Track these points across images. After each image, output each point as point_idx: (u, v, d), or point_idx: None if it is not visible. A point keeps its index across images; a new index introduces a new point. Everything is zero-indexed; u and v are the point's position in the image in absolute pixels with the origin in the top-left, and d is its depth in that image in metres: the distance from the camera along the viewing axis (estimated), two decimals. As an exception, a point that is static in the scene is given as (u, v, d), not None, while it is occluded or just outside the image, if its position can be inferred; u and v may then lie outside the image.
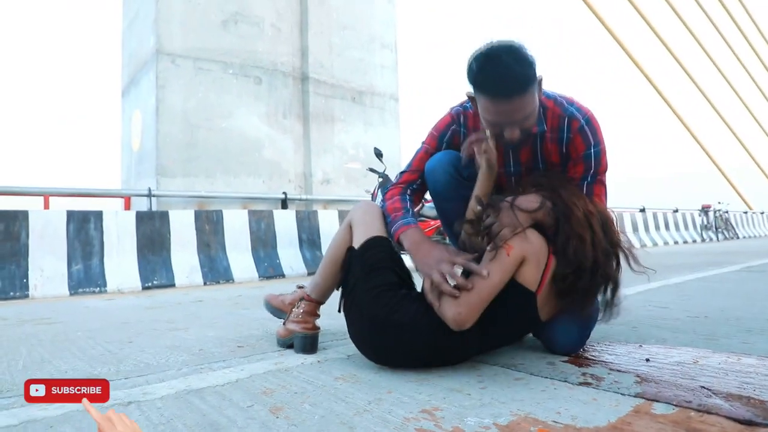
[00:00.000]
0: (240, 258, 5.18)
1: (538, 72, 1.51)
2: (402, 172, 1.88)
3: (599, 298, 1.56)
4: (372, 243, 1.64)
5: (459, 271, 1.48)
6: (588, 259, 1.46)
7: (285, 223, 5.65)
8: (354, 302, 1.58)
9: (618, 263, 1.55)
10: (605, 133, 1.68)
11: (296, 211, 5.84)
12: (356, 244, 1.66)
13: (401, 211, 1.72)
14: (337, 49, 7.55)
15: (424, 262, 1.53)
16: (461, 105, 1.80)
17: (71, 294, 4.11)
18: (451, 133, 1.80)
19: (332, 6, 7.58)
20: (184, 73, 6.16)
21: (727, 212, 15.06)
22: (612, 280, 1.53)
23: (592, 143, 1.64)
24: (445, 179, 1.76)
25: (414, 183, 1.83)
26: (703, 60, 23.89)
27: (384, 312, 1.49)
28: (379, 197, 1.87)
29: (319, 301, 1.89)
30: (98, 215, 4.56)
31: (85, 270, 4.34)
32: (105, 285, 4.32)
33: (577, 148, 1.66)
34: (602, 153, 1.66)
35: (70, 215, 4.42)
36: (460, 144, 1.76)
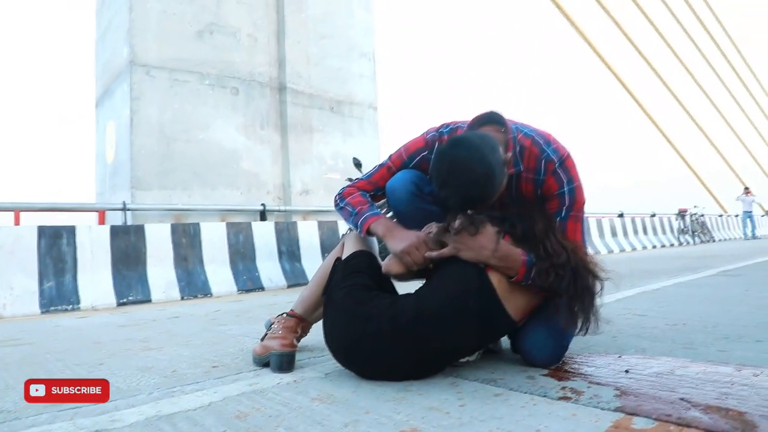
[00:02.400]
0: (218, 271, 5.11)
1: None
2: (360, 178, 1.90)
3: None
4: (358, 253, 1.74)
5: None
6: (560, 255, 1.51)
7: (264, 234, 5.59)
8: (330, 301, 1.66)
9: (595, 277, 1.56)
10: (587, 145, 1.70)
11: (275, 223, 5.78)
12: (344, 258, 1.76)
13: (367, 205, 1.79)
14: (315, 58, 7.53)
15: (401, 239, 1.64)
16: (438, 130, 1.80)
17: (43, 312, 4.00)
18: (420, 159, 1.80)
19: (309, 15, 7.56)
20: (159, 84, 6.08)
21: (703, 216, 15.37)
22: (588, 291, 1.54)
23: (565, 182, 1.66)
24: (407, 197, 1.76)
25: (368, 192, 1.86)
26: (677, 67, 24.41)
27: (353, 305, 1.56)
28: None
29: (302, 317, 1.87)
30: (71, 230, 4.46)
31: (58, 287, 4.23)
32: (78, 302, 4.21)
33: (551, 188, 1.67)
34: (577, 190, 1.67)
35: (42, 231, 4.31)
36: (428, 169, 1.78)
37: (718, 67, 27.53)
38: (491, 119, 1.72)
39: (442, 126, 1.81)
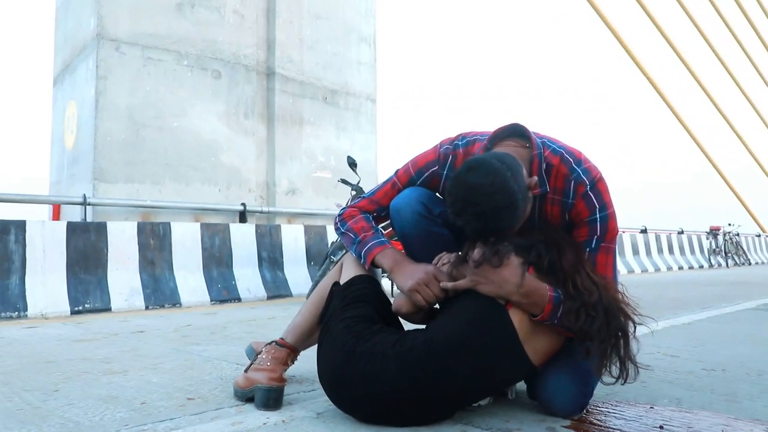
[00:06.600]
0: (189, 278, 5.09)
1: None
2: (362, 197, 1.92)
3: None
4: (358, 279, 1.73)
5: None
6: (592, 293, 1.51)
7: (243, 238, 5.58)
8: (327, 333, 1.64)
9: (626, 317, 1.57)
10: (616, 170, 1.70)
11: (256, 225, 5.77)
12: (342, 281, 1.75)
13: (371, 231, 1.78)
14: (308, 41, 7.52)
15: (409, 275, 1.64)
16: (452, 143, 1.79)
17: (-16, 320, 3.96)
18: (430, 175, 1.80)
19: (304, -8, 7.56)
20: (129, 62, 6.05)
21: (737, 235, 15.42)
22: (623, 334, 1.54)
23: (597, 208, 1.66)
24: (414, 219, 1.75)
25: (370, 213, 1.86)
26: (714, 64, 24.51)
27: (353, 341, 1.54)
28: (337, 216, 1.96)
29: (294, 347, 1.87)
30: (20, 225, 4.42)
31: (2, 291, 4.19)
32: (25, 309, 4.17)
33: (580, 213, 1.67)
34: (609, 218, 1.67)
35: (-14, 226, 4.28)
36: (438, 186, 1.79)
37: (761, 64, 27.53)
38: (514, 132, 1.72)
39: (457, 137, 1.81)
